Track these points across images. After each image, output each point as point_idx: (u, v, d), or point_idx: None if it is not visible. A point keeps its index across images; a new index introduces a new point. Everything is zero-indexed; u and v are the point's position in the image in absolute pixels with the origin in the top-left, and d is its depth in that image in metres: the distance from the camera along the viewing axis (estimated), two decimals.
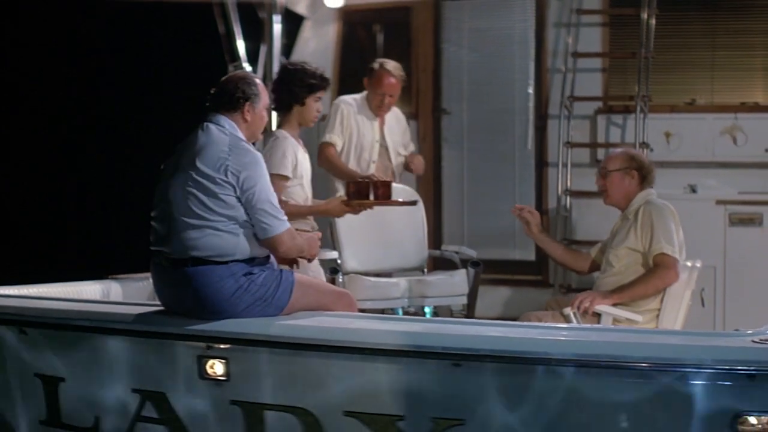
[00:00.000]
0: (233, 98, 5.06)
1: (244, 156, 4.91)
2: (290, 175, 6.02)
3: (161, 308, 5.06)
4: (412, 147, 7.70)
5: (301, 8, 8.69)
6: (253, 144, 5.18)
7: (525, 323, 5.32)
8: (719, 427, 4.12)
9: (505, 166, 8.38)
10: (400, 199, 6.34)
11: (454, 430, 4.42)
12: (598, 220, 7.17)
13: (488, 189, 8.44)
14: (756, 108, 7.75)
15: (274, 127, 7.27)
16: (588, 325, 5.59)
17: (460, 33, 8.55)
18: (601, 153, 7.90)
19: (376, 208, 6.13)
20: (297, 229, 5.23)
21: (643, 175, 6.29)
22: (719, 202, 7.46)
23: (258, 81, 5.18)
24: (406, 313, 6.83)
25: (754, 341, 4.21)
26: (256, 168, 4.92)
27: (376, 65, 7.32)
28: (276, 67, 7.70)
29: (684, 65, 8.02)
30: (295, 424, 4.66)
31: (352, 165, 7.26)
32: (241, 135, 5.03)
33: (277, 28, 7.90)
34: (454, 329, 4.62)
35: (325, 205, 6.23)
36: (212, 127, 5.00)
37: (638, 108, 7.68)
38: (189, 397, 4.85)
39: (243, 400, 4.75)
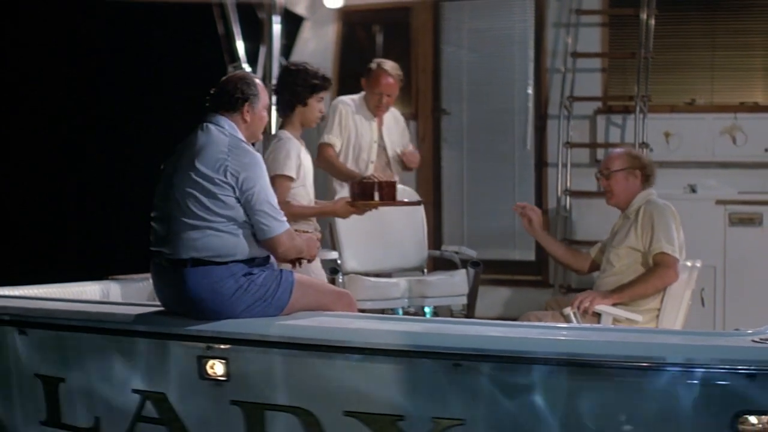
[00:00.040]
0: (232, 98, 5.06)
1: (244, 157, 4.91)
2: (295, 176, 6.01)
3: (161, 308, 5.06)
4: (411, 148, 7.70)
5: (300, 9, 8.69)
6: (253, 144, 5.19)
7: (525, 323, 5.32)
8: (719, 427, 4.12)
9: (504, 166, 8.39)
10: (405, 200, 6.35)
11: (454, 430, 4.42)
12: (598, 220, 7.17)
13: (488, 189, 8.44)
14: (756, 108, 7.75)
15: (273, 127, 7.29)
16: (588, 325, 5.59)
17: (460, 33, 8.56)
18: (600, 153, 7.90)
19: (378, 208, 6.14)
20: (298, 230, 5.24)
21: (646, 174, 6.29)
22: (719, 202, 7.46)
23: (258, 81, 5.18)
24: (406, 313, 6.83)
25: (754, 341, 4.21)
26: (256, 169, 4.91)
27: (373, 65, 7.32)
28: (275, 68, 7.71)
29: (684, 65, 8.02)
30: (295, 424, 4.66)
31: (351, 165, 7.26)
32: (240, 135, 5.03)
33: (277, 28, 7.90)
34: (454, 329, 4.62)
35: (332, 205, 6.23)
36: (212, 127, 5.00)
37: (638, 108, 7.68)
38: (189, 398, 4.85)
39: (243, 400, 4.75)
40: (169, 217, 4.91)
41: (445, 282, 6.99)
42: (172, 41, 10.80)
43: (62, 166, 11.85)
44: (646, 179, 6.30)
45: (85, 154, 11.78)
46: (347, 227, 6.88)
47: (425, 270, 7.33)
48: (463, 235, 8.37)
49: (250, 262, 4.91)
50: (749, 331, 4.37)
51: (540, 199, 8.19)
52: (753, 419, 4.10)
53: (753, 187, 7.57)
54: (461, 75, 8.52)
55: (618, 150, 6.67)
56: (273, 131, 7.26)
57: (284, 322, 4.79)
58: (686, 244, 6.12)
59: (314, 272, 5.82)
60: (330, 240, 7.00)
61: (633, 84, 7.78)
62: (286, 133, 6.15)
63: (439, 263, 7.65)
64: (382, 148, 7.40)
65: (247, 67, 7.83)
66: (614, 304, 5.97)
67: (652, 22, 7.74)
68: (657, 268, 6.00)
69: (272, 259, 5.05)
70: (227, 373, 4.74)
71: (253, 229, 4.90)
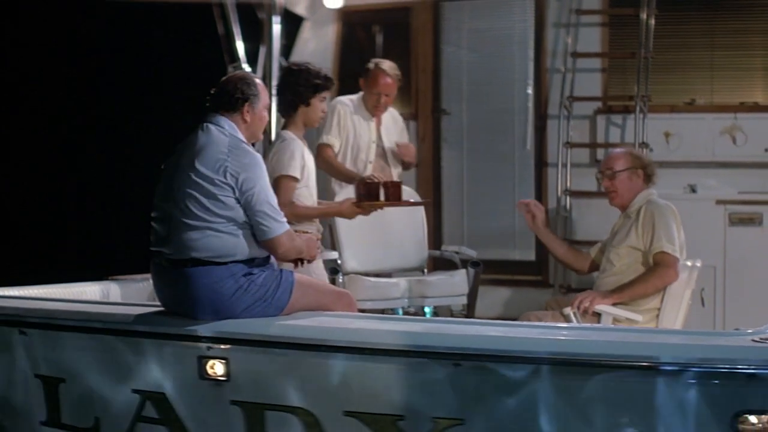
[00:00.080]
0: (232, 99, 5.06)
1: (244, 157, 4.91)
2: (299, 176, 6.01)
3: (161, 309, 5.06)
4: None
5: (300, 9, 8.68)
6: (253, 145, 5.19)
7: (525, 323, 5.32)
8: (720, 426, 4.12)
9: (504, 166, 8.38)
10: (411, 200, 6.35)
11: (454, 430, 4.43)
12: (598, 220, 7.17)
13: (488, 189, 8.44)
14: (755, 108, 7.75)
15: (273, 127, 7.29)
16: (588, 325, 5.58)
17: (460, 33, 8.55)
18: (600, 153, 7.89)
19: (383, 208, 6.15)
20: (300, 231, 5.24)
21: (648, 174, 6.30)
22: (719, 202, 7.46)
23: (258, 81, 5.18)
24: (406, 313, 6.83)
25: (754, 340, 4.21)
26: (256, 169, 4.91)
27: (371, 65, 7.32)
28: (275, 68, 7.70)
29: (683, 65, 8.02)
30: (295, 424, 4.67)
31: (349, 166, 7.26)
32: (240, 136, 5.03)
33: (277, 28, 7.89)
34: (454, 329, 4.63)
35: (338, 206, 6.24)
36: (212, 127, 5.00)
37: (638, 108, 7.68)
38: (189, 398, 4.85)
39: (243, 400, 4.75)
40: (169, 217, 4.91)
41: (445, 282, 6.99)
42: (172, 41, 10.80)
43: (62, 166, 11.86)
44: (648, 178, 6.31)
45: (85, 154, 11.79)
46: (347, 227, 6.88)
47: (425, 270, 7.33)
48: (463, 235, 8.36)
49: (250, 262, 4.91)
50: (749, 331, 4.37)
51: (540, 199, 8.14)
52: (753, 419, 4.10)
53: (753, 187, 7.57)
54: (461, 75, 8.52)
55: (619, 150, 6.68)
56: (273, 131, 7.28)
57: (284, 322, 4.79)
58: (686, 244, 6.13)
59: (315, 272, 5.82)
60: (330, 240, 7.00)
61: (633, 84, 7.77)
62: (289, 134, 6.15)
63: (439, 263, 7.65)
64: (381, 148, 7.40)
65: (247, 67, 7.82)
66: (614, 304, 5.97)
67: (652, 22, 7.74)
68: (657, 268, 6.00)
69: (272, 259, 5.05)
70: (227, 373, 4.74)
71: (252, 229, 4.90)
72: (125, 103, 11.29)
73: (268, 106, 5.24)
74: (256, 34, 8.01)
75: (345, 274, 6.85)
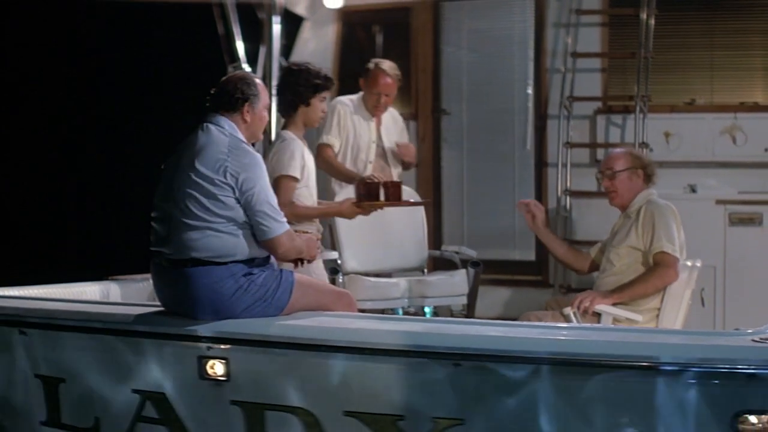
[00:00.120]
0: (232, 99, 5.06)
1: (244, 157, 4.91)
2: (299, 176, 6.01)
3: (161, 309, 5.06)
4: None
5: (300, 9, 8.68)
6: (253, 145, 5.18)
7: (525, 323, 5.32)
8: (720, 426, 4.12)
9: (504, 166, 8.38)
10: (412, 200, 6.35)
11: (454, 430, 4.43)
12: (598, 220, 7.17)
13: (488, 189, 8.44)
14: (755, 108, 7.75)
15: (273, 128, 7.29)
16: (588, 325, 5.58)
17: (460, 34, 8.55)
18: (600, 153, 7.89)
19: (384, 208, 6.15)
20: (300, 231, 5.23)
21: (648, 174, 6.31)
22: (719, 202, 7.46)
23: (258, 81, 5.17)
24: (406, 313, 6.83)
25: (754, 340, 4.21)
26: (256, 169, 4.91)
27: (371, 65, 7.32)
28: (275, 68, 7.70)
29: (683, 65, 8.02)
30: (295, 424, 4.67)
31: (349, 166, 7.26)
32: (240, 136, 5.03)
33: (277, 28, 7.89)
34: (454, 329, 4.63)
35: (338, 206, 6.24)
36: (212, 127, 5.00)
37: (638, 108, 7.68)
38: (189, 398, 4.85)
39: (243, 400, 4.75)
40: (169, 217, 4.91)
41: (445, 282, 6.99)
42: (172, 41, 10.80)
43: (62, 166, 11.86)
44: (648, 178, 6.31)
45: (85, 154, 11.79)
46: (347, 227, 6.88)
47: (425, 270, 7.33)
48: (463, 235, 8.36)
49: (250, 262, 4.91)
50: (749, 331, 4.37)
51: (540, 199, 8.14)
52: (753, 419, 4.10)
53: (753, 187, 7.57)
54: (461, 75, 8.52)
55: (619, 150, 6.67)
56: (273, 131, 7.29)
57: (284, 322, 4.79)
58: (686, 244, 6.13)
59: (316, 272, 5.83)
60: (330, 240, 7.00)
61: (633, 84, 7.77)
62: (289, 134, 6.15)
63: (439, 263, 7.65)
64: (381, 148, 7.40)
65: (247, 67, 7.82)
66: (614, 304, 5.97)
67: (652, 22, 7.74)
68: (657, 268, 6.00)
69: (272, 259, 5.05)
70: (227, 373, 4.74)
71: (252, 229, 4.90)
72: (125, 103, 11.29)
73: (268, 106, 5.24)
74: (256, 34, 8.02)
75: (345, 274, 6.85)
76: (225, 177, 4.84)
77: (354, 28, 8.83)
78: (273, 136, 7.24)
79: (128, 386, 4.96)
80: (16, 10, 11.28)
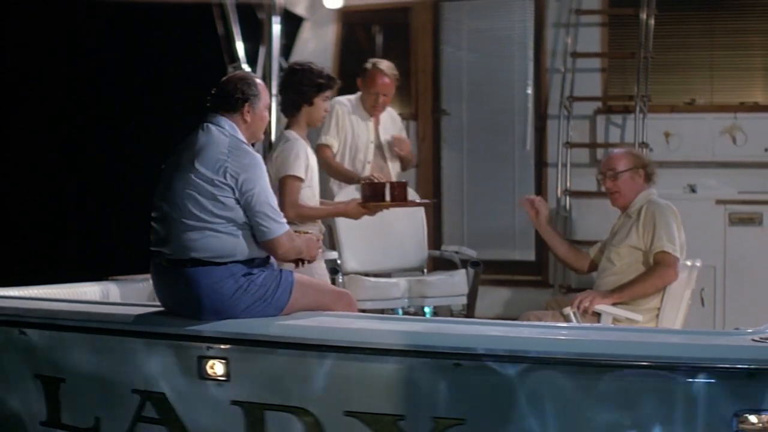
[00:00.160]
0: (233, 99, 5.06)
1: (244, 158, 4.91)
2: (304, 176, 6.01)
3: (161, 309, 5.06)
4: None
5: (300, 9, 8.68)
6: (253, 145, 5.18)
7: (525, 323, 5.32)
8: (720, 426, 4.12)
9: (504, 166, 8.38)
10: (417, 200, 6.35)
11: (454, 430, 4.43)
12: (598, 220, 7.17)
13: (488, 189, 8.44)
14: (755, 108, 7.75)
15: (273, 128, 7.29)
16: (588, 325, 5.59)
17: (460, 34, 8.55)
18: (600, 153, 7.90)
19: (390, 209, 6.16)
20: (299, 231, 5.23)
21: (648, 173, 6.31)
22: (719, 202, 7.46)
23: (258, 81, 5.17)
24: (406, 313, 6.83)
25: (754, 340, 4.22)
26: (256, 170, 4.91)
27: (369, 65, 7.31)
28: (275, 68, 7.70)
29: (683, 65, 8.02)
30: (295, 424, 4.67)
31: (348, 166, 7.26)
32: (241, 136, 5.02)
33: (277, 29, 7.88)
34: (454, 329, 4.63)
35: (344, 207, 6.24)
36: (212, 127, 5.00)
37: (638, 108, 7.68)
38: (189, 397, 4.85)
39: (243, 400, 4.75)
40: (169, 217, 4.91)
41: (445, 282, 7.00)
42: (172, 41, 10.80)
43: (62, 166, 11.86)
44: (648, 178, 6.31)
45: (85, 154, 11.79)
46: (347, 227, 6.89)
47: (425, 270, 7.33)
48: (463, 235, 8.36)
49: (249, 262, 4.91)
50: (749, 331, 4.37)
51: None
52: (753, 418, 4.10)
53: (753, 187, 7.57)
54: (461, 75, 8.52)
55: (620, 150, 6.67)
56: (273, 132, 7.28)
57: (284, 322, 4.79)
58: (686, 244, 6.13)
59: (317, 272, 5.82)
60: (330, 240, 7.00)
61: (633, 84, 7.77)
62: (293, 134, 6.14)
63: (439, 263, 7.65)
64: (379, 148, 7.40)
65: (246, 67, 7.82)
66: (614, 304, 5.97)
67: (652, 22, 7.74)
68: (657, 267, 6.00)
69: (272, 259, 5.05)
70: (227, 373, 4.74)
71: (252, 230, 4.90)
72: (125, 103, 11.30)
73: (268, 106, 5.24)
74: (256, 34, 8.01)
75: (345, 274, 6.85)
76: (225, 177, 4.84)
77: (354, 29, 8.83)
78: (273, 137, 7.25)
79: (128, 386, 4.96)
80: (16, 10, 11.29)
